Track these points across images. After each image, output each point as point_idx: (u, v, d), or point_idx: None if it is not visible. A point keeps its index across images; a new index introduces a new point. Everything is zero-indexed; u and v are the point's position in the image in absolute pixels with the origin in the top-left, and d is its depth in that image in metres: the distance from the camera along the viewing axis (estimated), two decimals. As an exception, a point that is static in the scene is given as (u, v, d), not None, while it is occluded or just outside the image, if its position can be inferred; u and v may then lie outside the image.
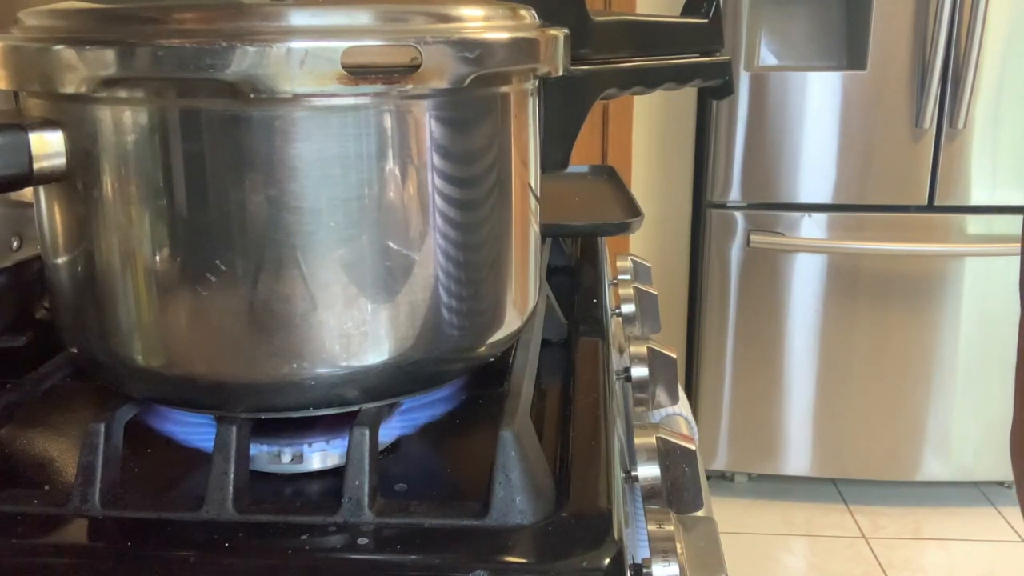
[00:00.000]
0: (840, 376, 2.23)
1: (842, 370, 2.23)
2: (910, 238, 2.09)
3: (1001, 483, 2.34)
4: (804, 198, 2.11)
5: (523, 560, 0.40)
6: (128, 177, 0.39)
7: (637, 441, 0.61)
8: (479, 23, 0.42)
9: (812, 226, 2.11)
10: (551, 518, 0.42)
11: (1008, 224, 2.08)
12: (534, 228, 0.51)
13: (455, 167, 0.43)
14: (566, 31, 0.49)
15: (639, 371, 0.77)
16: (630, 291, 0.92)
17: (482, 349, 0.47)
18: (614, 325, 0.89)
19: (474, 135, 0.43)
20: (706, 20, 0.64)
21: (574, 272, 0.82)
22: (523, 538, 0.41)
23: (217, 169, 0.39)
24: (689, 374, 2.35)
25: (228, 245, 0.40)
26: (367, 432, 0.43)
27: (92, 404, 0.54)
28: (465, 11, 0.42)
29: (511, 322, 0.49)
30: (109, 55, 0.36)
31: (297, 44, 0.36)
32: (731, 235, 2.15)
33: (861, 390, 2.24)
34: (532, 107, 0.48)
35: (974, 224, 2.09)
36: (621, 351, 0.92)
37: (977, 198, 2.07)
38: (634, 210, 0.78)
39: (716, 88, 0.66)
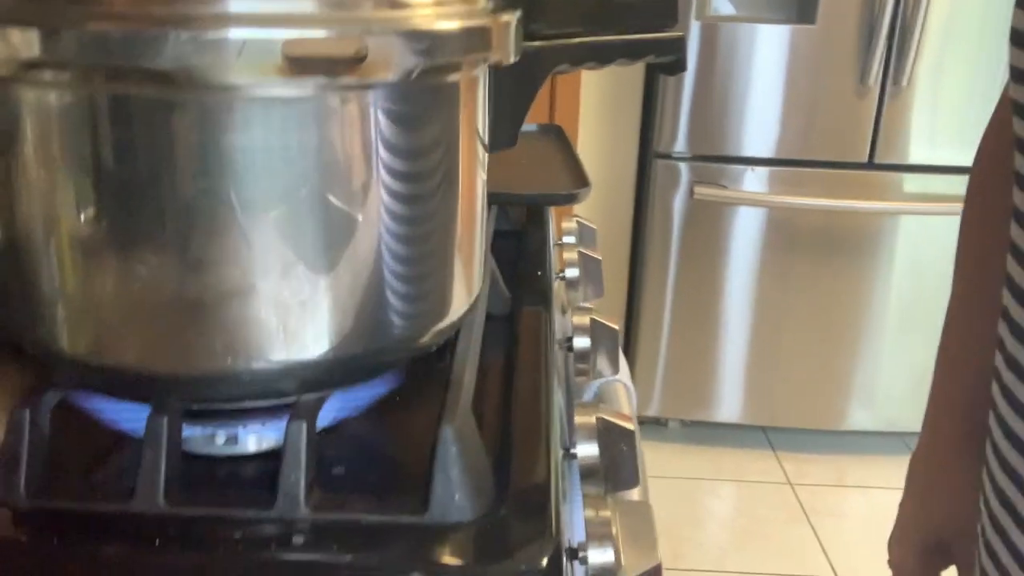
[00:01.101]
0: (774, 328, 2.27)
1: (777, 322, 2.27)
2: (849, 195, 2.11)
3: (922, 434, 2.41)
4: (749, 151, 2.12)
5: (460, 562, 0.39)
6: (52, 161, 0.37)
7: (577, 419, 0.62)
8: (429, 9, 0.40)
9: (754, 180, 2.13)
10: (490, 515, 0.42)
11: (944, 184, 2.12)
12: (481, 214, 0.50)
13: (401, 159, 0.41)
14: (518, 15, 0.47)
15: (581, 341, 0.77)
16: (575, 255, 0.92)
17: (425, 339, 0.47)
18: (557, 287, 0.88)
19: (421, 125, 0.42)
20: (660, -4, 0.63)
21: (519, 237, 0.81)
22: (461, 537, 0.41)
23: (148, 157, 0.37)
24: (628, 322, 2.37)
25: (159, 236, 0.38)
26: (304, 426, 0.42)
27: (15, 385, 0.52)
28: (415, -5, 0.40)
29: (456, 310, 0.48)
30: (31, 37, 0.34)
31: (235, 33, 0.34)
32: (675, 186, 2.15)
33: (794, 342, 2.28)
34: (482, 93, 0.46)
35: (911, 183, 2.12)
36: (564, 311, 0.93)
37: (916, 157, 2.10)
38: (581, 179, 0.77)
39: (668, 64, 0.65)
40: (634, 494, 0.65)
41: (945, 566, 0.70)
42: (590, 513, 0.53)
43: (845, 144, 2.10)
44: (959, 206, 2.30)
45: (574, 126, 2.18)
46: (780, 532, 2.11)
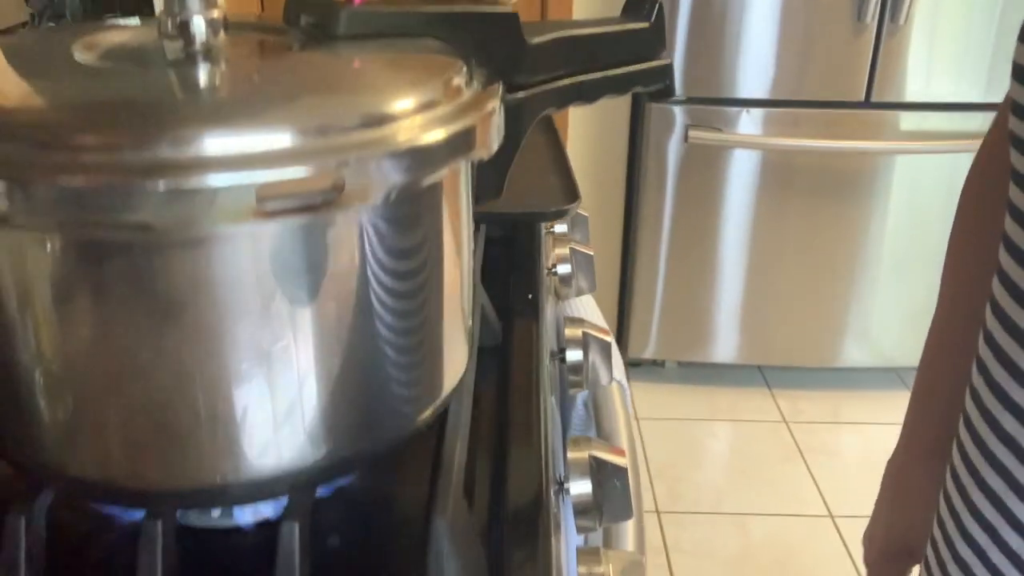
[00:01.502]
0: (770, 268, 2.27)
1: (772, 263, 2.27)
2: (845, 135, 2.09)
3: (917, 368, 2.44)
4: (744, 93, 2.08)
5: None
6: (30, 299, 0.37)
7: (570, 455, 0.62)
8: (408, 120, 0.39)
9: (750, 122, 2.10)
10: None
11: (942, 120, 2.10)
12: (467, 289, 0.49)
13: (383, 267, 0.41)
14: (501, 90, 0.46)
15: (574, 354, 0.78)
16: (566, 251, 0.91)
17: (416, 425, 0.47)
18: (549, 281, 0.88)
19: (403, 229, 0.41)
20: (647, 24, 0.61)
21: (510, 246, 0.80)
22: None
23: (126, 292, 0.36)
24: (624, 266, 2.38)
25: (145, 361, 0.38)
26: (296, 528, 0.42)
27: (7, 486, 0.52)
28: (394, 103, 0.39)
29: (447, 388, 0.48)
30: (16, 195, 0.33)
31: (205, 181, 0.33)
32: (669, 130, 2.12)
33: (789, 282, 2.29)
34: (464, 179, 0.45)
35: (908, 120, 2.09)
36: (557, 296, 0.93)
37: (913, 95, 2.07)
38: (571, 191, 0.76)
39: (656, 92, 0.63)
40: (628, 527, 0.66)
41: (911, 567, 0.72)
42: (583, 570, 0.54)
43: (842, 83, 2.07)
44: (955, 143, 2.28)
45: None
46: (775, 472, 2.15)
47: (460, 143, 0.40)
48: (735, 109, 2.10)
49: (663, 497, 2.06)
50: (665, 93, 0.63)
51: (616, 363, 0.88)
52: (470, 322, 0.50)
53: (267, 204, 0.34)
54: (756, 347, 2.37)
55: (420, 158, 0.38)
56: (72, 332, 0.37)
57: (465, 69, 0.47)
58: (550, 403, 0.63)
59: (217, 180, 0.33)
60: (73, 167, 0.33)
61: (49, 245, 0.35)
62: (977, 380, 0.55)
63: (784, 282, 2.29)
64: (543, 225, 0.89)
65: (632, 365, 2.47)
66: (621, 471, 0.62)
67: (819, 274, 2.28)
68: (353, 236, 0.39)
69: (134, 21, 0.51)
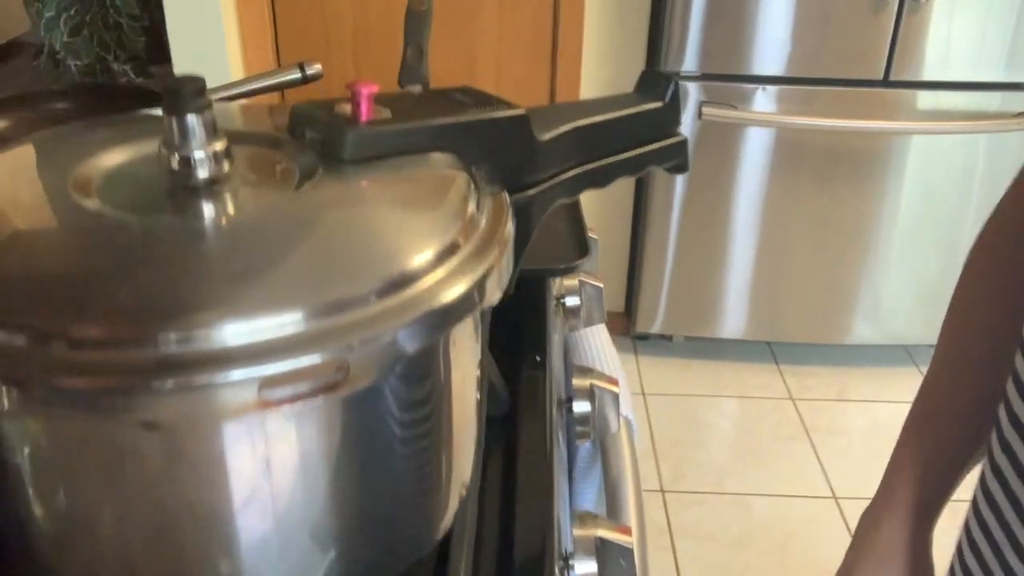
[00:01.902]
0: (780, 245, 2.26)
1: (783, 239, 2.25)
2: (861, 114, 2.06)
3: (932, 346, 2.44)
4: (760, 70, 2.04)
5: None
6: (32, 478, 0.36)
7: (576, 533, 0.62)
8: (426, 275, 0.38)
9: (765, 99, 2.07)
10: None
11: (958, 100, 2.06)
12: (475, 418, 0.49)
13: (389, 417, 0.40)
14: (510, 227, 0.45)
15: (581, 405, 0.77)
16: (575, 283, 0.91)
17: (420, 553, 0.47)
18: (556, 312, 0.88)
19: (411, 383, 0.40)
20: (662, 103, 0.59)
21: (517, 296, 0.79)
22: None
23: (127, 471, 0.36)
24: (635, 240, 2.36)
25: (150, 536, 0.37)
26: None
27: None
28: (409, 263, 0.38)
29: (451, 513, 0.48)
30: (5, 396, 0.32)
31: (206, 379, 0.33)
32: (682, 106, 2.09)
33: (800, 258, 2.27)
34: (475, 325, 0.45)
35: (925, 100, 2.06)
36: (564, 339, 0.92)
37: (931, 74, 2.03)
38: (581, 243, 0.75)
39: (669, 167, 0.62)
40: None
41: None
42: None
43: (861, 61, 2.03)
44: (972, 123, 2.24)
45: (578, 42, 2.10)
46: (780, 451, 2.16)
47: (470, 298, 0.39)
48: (751, 86, 2.06)
49: (667, 476, 2.08)
50: (679, 169, 0.62)
51: (624, 398, 0.87)
52: (474, 447, 0.49)
53: (268, 394, 0.34)
54: (764, 323, 2.37)
55: (428, 324, 0.37)
56: (67, 506, 0.37)
57: (474, 187, 0.46)
58: (559, 482, 0.63)
59: (222, 376, 0.33)
60: (72, 366, 0.32)
61: (43, 426, 0.35)
62: (993, 485, 0.55)
63: (795, 259, 2.28)
64: (551, 303, 0.87)
65: (639, 338, 2.47)
66: (627, 551, 0.62)
67: (830, 252, 2.26)
68: (357, 400, 0.38)
69: (134, 121, 0.50)
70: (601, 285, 0.92)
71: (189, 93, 0.41)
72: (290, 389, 0.34)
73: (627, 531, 0.62)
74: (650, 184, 2.20)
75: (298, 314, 0.35)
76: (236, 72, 1.97)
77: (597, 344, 0.93)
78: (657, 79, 0.59)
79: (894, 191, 2.17)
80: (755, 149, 2.14)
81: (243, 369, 0.33)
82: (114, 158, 0.46)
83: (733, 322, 2.37)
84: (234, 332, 0.34)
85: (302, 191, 0.42)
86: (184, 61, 1.94)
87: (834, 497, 2.00)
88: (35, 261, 0.36)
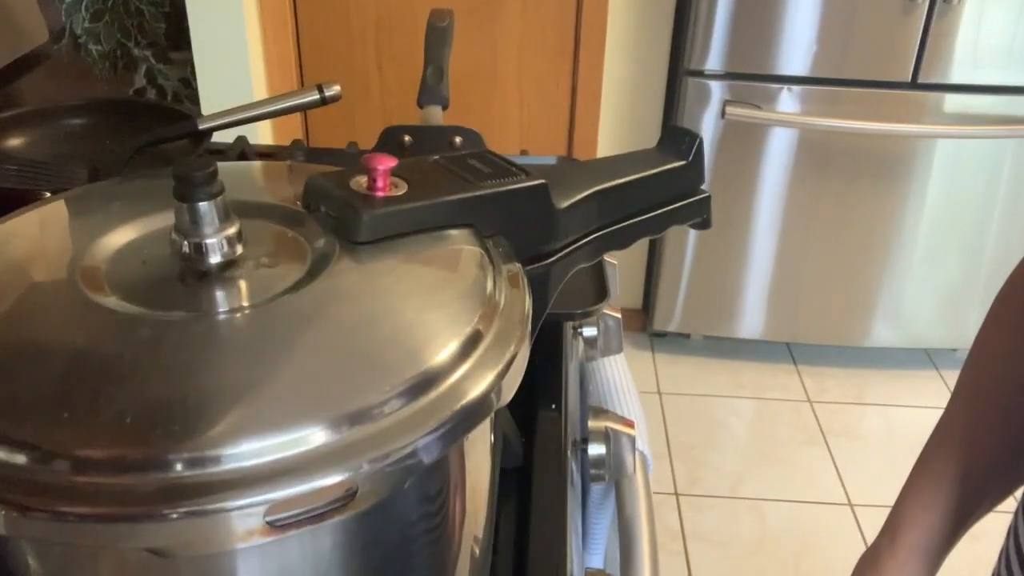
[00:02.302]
0: (802, 246, 2.23)
1: (804, 241, 2.23)
2: (887, 116, 2.02)
3: (953, 350, 2.41)
4: (785, 69, 2.01)
5: None
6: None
7: (589, 592, 0.62)
8: (441, 378, 0.37)
9: (790, 99, 2.03)
10: None
11: (986, 104, 2.02)
12: (489, 505, 0.48)
13: (402, 520, 0.39)
14: (528, 308, 0.43)
15: (596, 448, 0.76)
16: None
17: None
18: (574, 342, 0.86)
19: (421, 490, 0.40)
20: (686, 161, 0.58)
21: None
22: None
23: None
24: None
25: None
26: None
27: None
28: (426, 369, 0.37)
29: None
30: None
31: (219, 505, 0.32)
32: (706, 105, 2.06)
33: (820, 261, 2.25)
34: (488, 429, 0.44)
35: (952, 103, 2.02)
36: (580, 371, 0.91)
37: (960, 77, 1.99)
38: (601, 287, 0.74)
39: (692, 224, 0.61)
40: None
41: None
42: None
43: (888, 63, 1.99)
44: (999, 128, 2.21)
45: (601, 39, 2.08)
46: (796, 455, 2.15)
47: (485, 403, 0.38)
48: (776, 86, 2.03)
49: (682, 479, 2.07)
50: (702, 225, 0.61)
51: (640, 434, 0.86)
52: (488, 532, 0.49)
53: (274, 519, 0.33)
54: (784, 324, 2.35)
55: (457, 427, 0.36)
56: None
57: (490, 265, 0.45)
58: (572, 540, 0.62)
59: (229, 503, 0.32)
60: (74, 491, 0.32)
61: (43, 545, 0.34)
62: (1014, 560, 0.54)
63: (816, 260, 2.25)
64: (568, 345, 0.86)
65: (656, 336, 2.46)
66: (641, 613, 0.61)
67: (851, 254, 2.24)
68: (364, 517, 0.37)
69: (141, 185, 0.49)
70: (619, 316, 0.90)
71: (200, 180, 0.40)
72: (297, 512, 0.33)
73: (642, 592, 0.61)
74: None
75: (310, 431, 0.34)
76: (255, 58, 1.96)
77: (614, 377, 0.92)
78: (681, 136, 0.58)
79: (918, 194, 2.14)
80: (778, 149, 2.11)
81: (251, 496, 0.32)
82: (124, 235, 0.45)
83: (752, 322, 2.35)
84: (242, 453, 0.33)
85: (316, 281, 0.41)
86: (204, 47, 1.93)
87: (849, 504, 1.99)
88: (38, 366, 0.36)
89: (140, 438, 0.33)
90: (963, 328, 2.31)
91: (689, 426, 2.21)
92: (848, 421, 2.25)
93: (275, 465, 0.33)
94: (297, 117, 2.11)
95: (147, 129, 0.93)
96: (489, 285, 0.43)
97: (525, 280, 0.46)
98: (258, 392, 0.35)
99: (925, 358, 2.45)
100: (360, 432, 0.35)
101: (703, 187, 0.59)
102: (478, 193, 0.47)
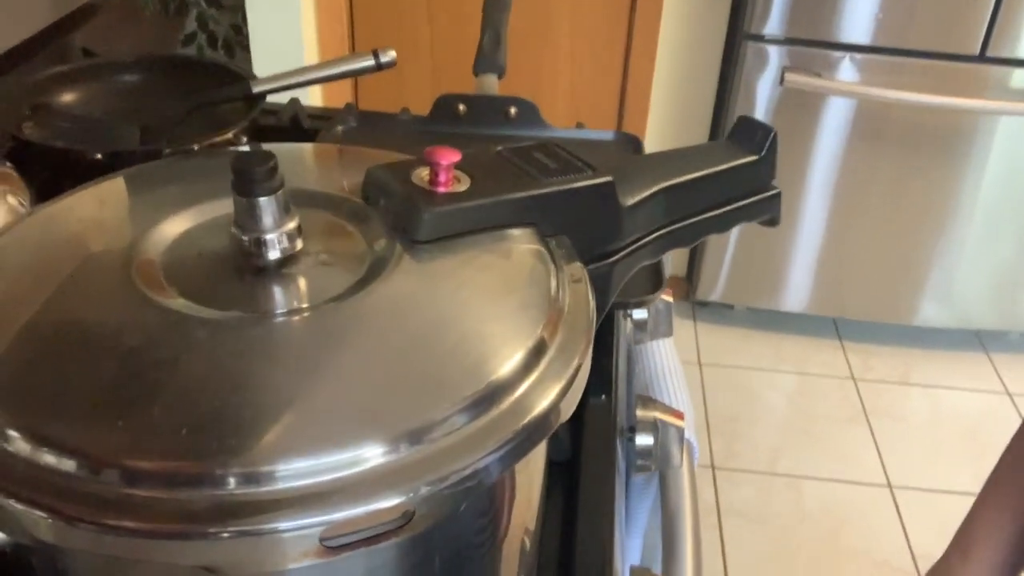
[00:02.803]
0: (853, 220, 2.19)
1: (856, 214, 2.18)
2: (951, 90, 1.96)
3: (1005, 332, 2.36)
4: (847, 37, 1.95)
5: None
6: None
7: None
8: (507, 392, 0.36)
9: (851, 68, 1.97)
10: None
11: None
12: (538, 508, 0.47)
13: (455, 539, 0.38)
14: (594, 307, 0.42)
15: (644, 439, 0.75)
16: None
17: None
18: (624, 326, 0.85)
19: (475, 508, 0.38)
20: (758, 156, 0.55)
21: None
22: None
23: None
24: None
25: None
26: None
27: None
28: (490, 376, 0.36)
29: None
30: (41, 523, 0.31)
31: (273, 526, 0.31)
32: (764, 71, 2.01)
33: (871, 236, 2.20)
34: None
35: (1019, 79, 1.95)
36: (629, 353, 0.89)
37: (1033, 51, 1.92)
38: (657, 275, 0.72)
39: (760, 222, 0.58)
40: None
41: None
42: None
43: (956, 34, 1.92)
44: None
45: (658, 0, 2.02)
46: (836, 433, 2.12)
47: (566, 403, 0.37)
48: (837, 53, 1.97)
49: (719, 452, 2.06)
50: (771, 223, 0.58)
51: (688, 423, 0.85)
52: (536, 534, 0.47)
53: (330, 542, 0.32)
54: (830, 298, 2.31)
55: (521, 445, 0.35)
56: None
57: (553, 266, 0.43)
58: (618, 536, 0.61)
59: (283, 524, 0.31)
60: (124, 504, 0.31)
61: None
62: None
63: (866, 234, 2.20)
64: (622, 332, 0.84)
65: (699, 305, 2.43)
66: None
67: (904, 230, 2.19)
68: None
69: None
70: (671, 300, 0.88)
71: (261, 175, 0.39)
72: (352, 533, 0.32)
73: (685, 592, 0.60)
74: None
75: (368, 449, 0.33)
76: (307, 11, 1.94)
77: (662, 361, 0.90)
78: (754, 128, 0.55)
79: (976, 172, 2.08)
80: (835, 119, 2.06)
81: (307, 517, 0.31)
82: (181, 223, 0.44)
83: (798, 295, 2.31)
84: (299, 471, 0.32)
85: (375, 283, 0.40)
86: (258, 11, 1.90)
87: (889, 486, 1.97)
88: (92, 366, 0.35)
89: (195, 452, 0.32)
90: (1015, 310, 2.26)
91: (728, 399, 2.19)
92: (892, 401, 2.22)
93: (331, 485, 0.32)
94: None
95: (201, 88, 0.92)
96: (552, 290, 0.42)
97: (589, 284, 0.44)
98: (316, 406, 0.34)
99: (975, 340, 2.40)
100: (419, 452, 0.33)
101: (774, 184, 0.57)
102: (544, 191, 0.45)
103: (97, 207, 0.46)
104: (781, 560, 1.82)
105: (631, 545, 0.89)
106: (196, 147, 0.79)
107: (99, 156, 0.79)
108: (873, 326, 2.37)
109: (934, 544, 1.78)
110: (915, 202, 2.14)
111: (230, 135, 0.83)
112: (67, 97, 0.93)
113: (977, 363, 2.33)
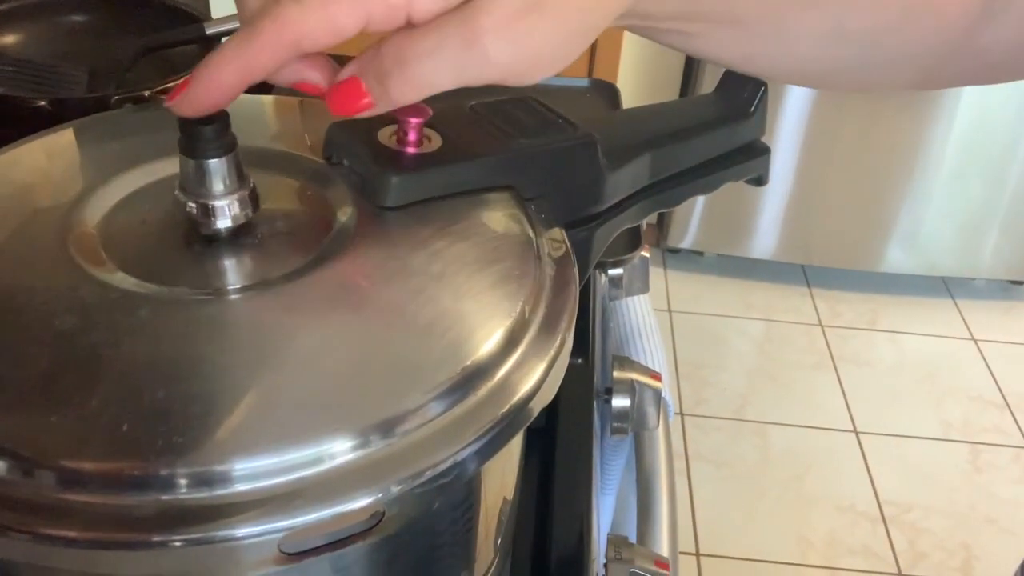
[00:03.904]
0: (821, 167, 2.17)
1: (824, 160, 2.16)
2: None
3: (971, 279, 2.37)
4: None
5: None
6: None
7: (610, 563, 0.59)
8: (487, 375, 0.33)
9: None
10: None
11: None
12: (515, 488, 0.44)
13: (426, 530, 0.36)
14: (576, 274, 0.39)
15: (621, 400, 0.73)
16: (620, 252, 0.84)
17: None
18: (601, 282, 0.82)
19: (450, 503, 0.36)
20: (746, 111, 0.52)
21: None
22: None
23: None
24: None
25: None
26: None
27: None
28: (469, 357, 0.33)
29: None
30: None
31: (227, 532, 0.28)
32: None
33: (840, 182, 2.19)
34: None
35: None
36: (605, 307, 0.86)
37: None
38: (635, 235, 0.69)
39: (748, 180, 0.55)
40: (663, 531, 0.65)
41: None
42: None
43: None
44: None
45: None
46: (803, 379, 2.13)
47: (551, 382, 0.34)
48: (811, -4, 1.93)
49: (688, 399, 2.06)
50: (758, 182, 0.55)
51: (665, 382, 0.82)
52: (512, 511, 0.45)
53: (289, 548, 0.29)
54: (799, 245, 2.30)
55: (502, 433, 0.32)
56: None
57: (533, 233, 0.40)
58: (595, 501, 0.59)
59: (239, 530, 0.28)
60: (61, 510, 0.28)
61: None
62: None
63: (835, 180, 2.19)
64: (597, 288, 0.81)
65: (670, 252, 2.42)
66: (664, 584, 0.58)
67: (872, 176, 2.17)
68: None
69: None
70: (648, 255, 0.86)
71: (210, 133, 0.35)
72: (316, 541, 0.29)
73: (664, 565, 0.58)
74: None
75: (334, 444, 0.30)
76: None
77: (638, 319, 0.88)
78: (743, 82, 0.52)
79: (946, 117, 2.07)
80: (809, 65, 2.02)
81: (265, 523, 0.28)
82: (127, 183, 0.40)
83: (767, 242, 2.30)
84: (256, 471, 0.29)
85: (340, 254, 0.36)
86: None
87: (855, 431, 1.98)
88: (21, 352, 0.31)
89: (138, 451, 0.28)
90: (981, 257, 2.27)
91: (697, 345, 2.19)
92: (859, 347, 2.22)
93: (293, 485, 0.29)
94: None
95: (153, 29, 0.86)
96: (533, 260, 0.39)
97: (571, 251, 0.41)
98: (274, 396, 0.31)
99: (941, 286, 2.41)
100: (390, 446, 0.30)
101: (763, 141, 0.54)
102: (522, 151, 0.42)
103: (33, 165, 0.42)
104: (748, 504, 1.83)
105: (604, 503, 0.88)
106: (147, 93, 0.75)
107: (43, 103, 0.74)
108: (841, 273, 2.37)
109: (899, 489, 1.80)
110: (883, 149, 2.13)
111: (183, 80, 0.78)
112: (7, 39, 0.88)
113: (943, 309, 2.34)
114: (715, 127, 0.51)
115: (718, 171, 0.52)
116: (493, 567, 0.49)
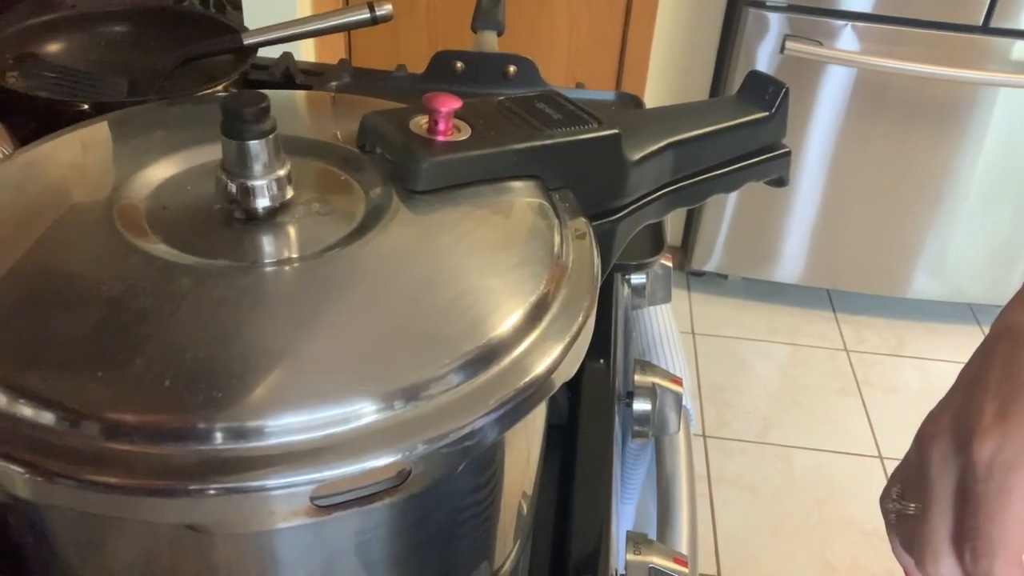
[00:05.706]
0: (849, 191, 2.17)
1: (852, 185, 2.16)
2: (952, 61, 1.93)
3: (997, 306, 2.35)
4: (848, 4, 1.92)
5: None
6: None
7: (629, 558, 0.60)
8: (508, 350, 0.34)
9: (852, 37, 1.95)
10: None
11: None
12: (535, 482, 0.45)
13: (448, 503, 0.37)
14: (599, 263, 0.40)
15: (642, 404, 0.73)
16: (643, 260, 0.86)
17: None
18: (623, 293, 0.83)
19: (473, 471, 0.37)
20: (769, 113, 0.53)
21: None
22: None
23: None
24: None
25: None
26: None
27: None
28: (491, 331, 0.34)
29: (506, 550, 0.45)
30: (17, 479, 0.29)
31: (261, 483, 0.29)
32: (764, 38, 1.98)
33: (867, 206, 2.19)
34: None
35: (1021, 50, 1.93)
36: (627, 316, 0.87)
37: (1036, 23, 1.90)
38: (658, 239, 0.70)
39: (768, 181, 0.56)
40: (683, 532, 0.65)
41: None
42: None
43: (960, 4, 1.89)
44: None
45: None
46: (828, 404, 2.12)
47: (569, 362, 0.35)
48: (838, 22, 1.94)
49: (711, 422, 2.05)
50: (779, 183, 0.56)
51: (685, 389, 0.83)
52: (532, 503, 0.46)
53: (321, 501, 0.30)
54: (825, 269, 2.30)
55: (522, 404, 0.33)
56: None
57: (557, 221, 0.42)
58: (615, 502, 0.60)
59: (272, 482, 0.29)
60: (105, 459, 0.29)
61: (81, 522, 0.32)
62: None
63: (862, 206, 2.19)
64: (619, 295, 0.82)
65: (694, 275, 2.42)
66: (680, 582, 0.59)
67: (900, 201, 2.17)
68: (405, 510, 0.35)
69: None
70: (670, 265, 0.87)
71: (251, 116, 0.37)
72: (344, 493, 0.31)
73: (683, 562, 0.59)
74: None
75: (362, 405, 0.31)
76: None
77: (660, 327, 0.89)
78: (764, 84, 0.53)
79: (974, 144, 2.06)
80: (834, 88, 2.03)
81: (298, 475, 0.29)
82: (167, 168, 0.42)
83: (792, 266, 2.30)
84: (289, 426, 0.30)
85: (371, 233, 0.38)
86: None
87: (880, 456, 1.97)
88: (70, 315, 0.33)
89: (180, 404, 0.30)
90: (1009, 283, 2.25)
91: (721, 368, 2.18)
92: (884, 372, 2.21)
93: (324, 441, 0.30)
94: (341, 34, 2.04)
95: (191, 40, 0.89)
96: (556, 246, 0.40)
97: (594, 240, 0.42)
98: (307, 359, 0.32)
99: (968, 313, 2.39)
100: (416, 409, 0.32)
101: (784, 142, 0.55)
102: (548, 142, 0.44)
103: (80, 152, 0.44)
104: (770, 528, 1.82)
105: (625, 512, 0.88)
106: (185, 100, 0.77)
107: (86, 107, 0.77)
108: (867, 298, 2.36)
109: (924, 515, 1.78)
110: (912, 174, 2.13)
111: (220, 89, 0.81)
112: (53, 47, 0.91)
113: (970, 336, 2.33)
114: (737, 126, 0.52)
115: (739, 170, 0.53)
116: (511, 557, 0.50)
